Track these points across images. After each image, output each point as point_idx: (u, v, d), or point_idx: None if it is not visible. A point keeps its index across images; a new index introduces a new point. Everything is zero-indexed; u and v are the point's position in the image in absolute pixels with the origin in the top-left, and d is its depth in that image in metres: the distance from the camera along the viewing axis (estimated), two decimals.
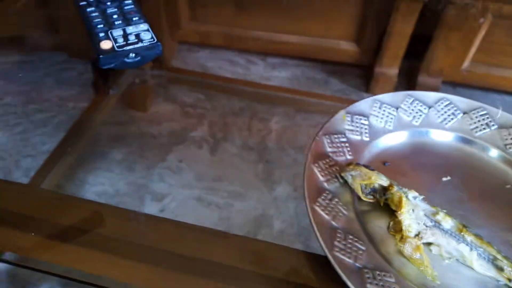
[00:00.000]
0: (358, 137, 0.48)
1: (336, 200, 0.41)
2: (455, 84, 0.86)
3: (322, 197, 0.41)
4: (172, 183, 0.60)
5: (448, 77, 0.78)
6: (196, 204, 0.58)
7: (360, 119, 0.50)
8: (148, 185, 0.60)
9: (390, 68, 0.76)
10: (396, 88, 0.83)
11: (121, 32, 0.47)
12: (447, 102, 0.52)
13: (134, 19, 0.50)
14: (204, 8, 0.81)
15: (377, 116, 0.50)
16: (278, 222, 0.57)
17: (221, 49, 0.91)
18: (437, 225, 0.38)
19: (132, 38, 0.48)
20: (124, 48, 0.47)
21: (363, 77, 0.86)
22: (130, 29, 0.48)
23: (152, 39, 0.48)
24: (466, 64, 0.76)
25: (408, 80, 0.80)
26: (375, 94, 0.84)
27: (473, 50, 0.74)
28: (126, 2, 0.51)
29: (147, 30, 0.49)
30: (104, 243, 0.40)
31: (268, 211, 0.59)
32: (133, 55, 0.47)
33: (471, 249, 0.37)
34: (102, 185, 0.61)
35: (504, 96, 0.87)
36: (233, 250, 0.41)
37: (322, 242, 0.37)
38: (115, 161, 0.63)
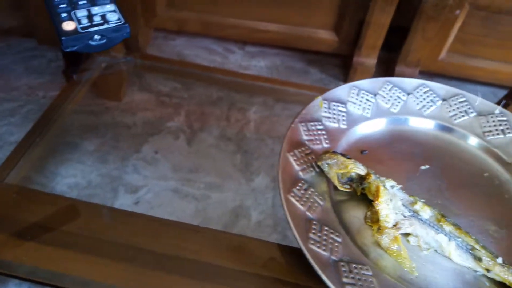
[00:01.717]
0: (336, 125, 0.47)
1: (312, 190, 0.40)
2: (432, 74, 0.87)
3: (298, 187, 0.40)
4: (147, 175, 0.59)
5: (425, 67, 0.78)
6: (172, 196, 0.57)
7: (338, 106, 0.48)
8: (122, 177, 0.58)
9: (368, 58, 0.76)
10: None
11: (85, 13, 0.44)
12: (426, 89, 0.51)
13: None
14: None
15: (355, 103, 0.49)
16: (256, 213, 0.57)
17: (198, 36, 0.89)
18: (415, 215, 0.38)
19: (97, 19, 0.44)
20: (89, 30, 0.44)
21: (342, 66, 0.85)
22: (95, 10, 0.45)
23: (119, 20, 0.45)
24: (443, 54, 0.77)
25: (386, 70, 0.81)
26: None
27: (450, 40, 0.75)
28: None
29: (114, 11, 0.46)
30: (72, 240, 0.38)
31: (246, 202, 0.58)
32: (98, 37, 0.44)
33: (449, 239, 0.37)
34: (74, 177, 0.58)
35: (479, 87, 0.89)
36: (206, 245, 0.40)
37: (296, 235, 0.36)
38: (88, 152, 0.61)
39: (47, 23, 0.67)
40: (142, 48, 0.79)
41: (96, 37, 0.44)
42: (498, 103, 0.51)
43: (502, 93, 0.60)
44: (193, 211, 0.57)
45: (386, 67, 0.81)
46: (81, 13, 0.44)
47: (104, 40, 0.44)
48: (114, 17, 0.45)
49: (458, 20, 0.71)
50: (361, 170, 0.40)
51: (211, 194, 0.59)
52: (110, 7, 0.46)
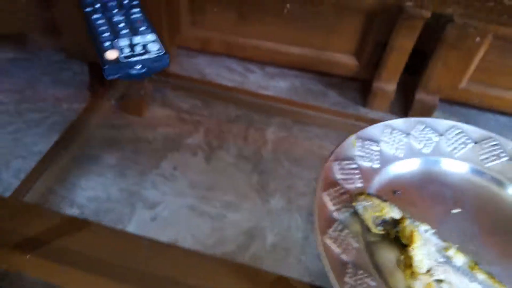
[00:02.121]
0: (369, 164, 0.47)
1: (347, 231, 0.40)
2: (452, 102, 0.86)
3: (333, 228, 0.40)
4: (165, 191, 0.60)
5: (445, 95, 0.78)
6: (189, 213, 0.58)
7: (371, 144, 0.48)
8: (141, 192, 0.59)
9: (388, 84, 0.76)
10: (393, 104, 0.83)
11: (127, 42, 0.45)
12: (458, 131, 0.51)
13: (141, 28, 0.47)
14: (205, 14, 0.80)
15: (387, 142, 0.49)
16: (271, 235, 0.57)
17: (220, 56, 0.90)
18: (449, 261, 0.37)
19: (138, 49, 0.45)
20: (130, 59, 0.44)
21: (360, 91, 0.86)
22: (137, 39, 0.46)
23: (160, 51, 0.46)
24: (463, 83, 0.77)
25: (406, 96, 0.81)
26: (372, 109, 0.85)
27: (471, 69, 0.75)
28: (134, 10, 0.49)
29: (155, 40, 0.47)
30: (74, 257, 0.38)
31: (262, 223, 0.59)
32: (139, 66, 0.45)
33: None
34: (93, 190, 0.60)
35: (498, 116, 0.88)
36: (220, 275, 0.40)
37: (334, 280, 0.36)
38: (108, 166, 0.62)
39: (77, 40, 0.69)
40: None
41: (137, 66, 0.44)
42: None
43: None
44: (209, 230, 0.57)
45: (406, 93, 0.81)
46: (124, 42, 0.45)
47: (144, 70, 0.45)
48: (155, 47, 0.46)
49: (480, 49, 0.71)
50: (396, 213, 0.39)
51: (227, 213, 0.59)
52: (151, 37, 0.47)
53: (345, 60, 0.80)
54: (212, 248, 0.54)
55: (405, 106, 0.81)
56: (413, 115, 0.80)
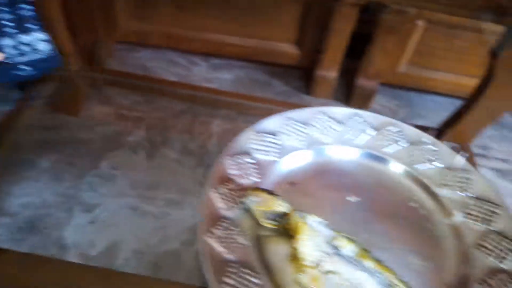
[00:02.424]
0: (265, 157, 0.46)
1: (234, 228, 0.39)
2: (392, 86, 0.89)
3: (219, 227, 0.39)
4: (104, 192, 0.57)
5: (385, 79, 0.80)
6: (130, 214, 0.56)
7: (269, 137, 0.47)
8: (78, 195, 0.57)
9: (329, 71, 0.77)
10: (337, 91, 0.84)
11: (12, 42, 0.42)
12: (359, 119, 0.51)
13: (31, 27, 0.44)
14: (143, 7, 0.78)
15: (287, 134, 0.48)
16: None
17: (163, 49, 0.88)
18: (337, 251, 0.37)
19: (26, 48, 0.42)
20: (15, 60, 0.41)
21: (304, 79, 0.86)
22: (25, 38, 0.43)
23: (51, 51, 0.43)
24: (402, 66, 0.79)
25: (348, 82, 0.82)
26: (316, 96, 0.86)
27: (408, 54, 0.77)
28: (24, 6, 0.46)
29: (45, 40, 0.43)
30: None
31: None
32: (28, 68, 0.42)
33: (369, 276, 0.36)
34: (27, 196, 0.56)
35: (435, 97, 0.92)
36: None
37: (210, 279, 0.34)
38: (43, 170, 0.59)
39: None
40: (102, 61, 0.78)
41: (25, 67, 0.41)
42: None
43: (459, 103, 0.62)
44: (151, 229, 0.56)
45: (347, 79, 0.82)
46: (8, 41, 0.42)
47: (32, 71, 0.42)
48: (44, 47, 0.43)
49: (416, 33, 0.73)
50: (283, 207, 0.39)
51: (170, 211, 0.58)
52: (41, 35, 0.44)
53: (287, 49, 0.80)
54: (155, 247, 0.53)
55: (347, 92, 0.83)
56: (354, 101, 0.82)
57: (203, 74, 0.83)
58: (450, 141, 0.61)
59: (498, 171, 0.78)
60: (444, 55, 0.78)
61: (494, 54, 0.51)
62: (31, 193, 0.57)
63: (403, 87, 0.86)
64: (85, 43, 0.74)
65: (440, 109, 0.88)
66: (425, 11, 0.73)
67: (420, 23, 0.73)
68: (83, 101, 0.67)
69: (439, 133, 0.62)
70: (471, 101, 0.58)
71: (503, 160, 0.81)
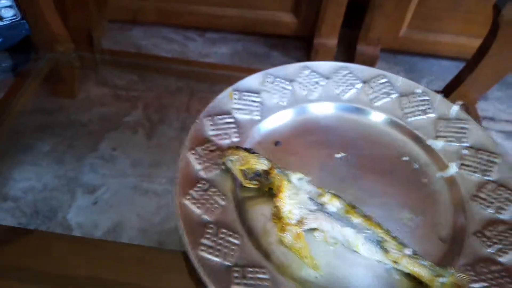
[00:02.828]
0: (247, 116, 0.44)
1: (213, 189, 0.38)
2: (393, 51, 0.86)
3: (196, 188, 0.37)
4: (105, 173, 0.57)
5: (386, 44, 0.78)
6: (132, 193, 0.56)
7: (250, 96, 0.45)
8: (79, 177, 0.56)
9: (328, 39, 0.75)
10: (337, 59, 0.82)
11: None
12: (346, 72, 0.48)
13: None
14: None
15: (269, 92, 0.46)
16: None
17: (156, 25, 0.86)
18: (322, 208, 0.35)
19: None
20: None
21: (304, 49, 0.84)
22: None
23: (15, 17, 0.41)
24: (403, 31, 0.77)
25: (348, 50, 0.80)
26: None
27: (408, 16, 0.74)
28: None
29: (10, 6, 0.41)
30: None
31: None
32: None
33: (357, 232, 0.35)
34: (28, 180, 0.56)
35: (441, 61, 0.89)
36: (94, 260, 0.37)
37: (187, 242, 0.33)
38: (42, 154, 0.59)
39: None
40: (97, 41, 0.76)
41: None
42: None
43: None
44: (154, 208, 0.55)
45: (347, 47, 0.80)
46: None
47: (0, 39, 0.40)
48: (9, 13, 0.41)
49: None
50: (264, 165, 0.37)
51: (172, 188, 0.58)
52: (6, 2, 0.42)
53: (284, 18, 0.77)
54: (159, 225, 0.53)
55: (349, 60, 0.80)
56: None
57: (199, 49, 0.81)
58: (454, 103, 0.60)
59: (507, 133, 0.77)
60: (447, 15, 0.75)
61: (497, 9, 0.49)
62: (32, 177, 0.56)
63: (406, 52, 0.83)
64: (76, 24, 0.72)
65: (446, 73, 0.85)
66: None
67: None
68: (79, 82, 0.66)
69: (444, 96, 0.61)
70: (474, 61, 0.56)
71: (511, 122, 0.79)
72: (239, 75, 0.71)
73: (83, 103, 0.65)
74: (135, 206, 0.55)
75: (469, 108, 0.59)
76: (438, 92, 0.61)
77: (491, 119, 0.79)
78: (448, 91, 0.60)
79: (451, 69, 0.86)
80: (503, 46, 0.51)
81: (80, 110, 0.65)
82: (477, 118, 0.59)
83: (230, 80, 0.71)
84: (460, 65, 0.65)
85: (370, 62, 0.78)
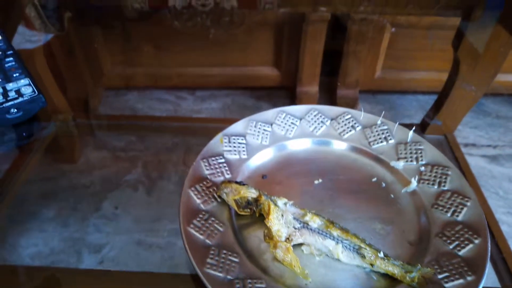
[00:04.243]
0: (236, 156, 0.51)
1: (213, 219, 0.44)
2: (372, 91, 0.92)
3: (198, 219, 0.43)
4: (109, 231, 0.59)
5: (364, 86, 0.84)
6: (136, 249, 0.57)
7: (237, 139, 0.53)
8: (84, 238, 0.58)
9: (309, 87, 0.81)
10: (319, 103, 0.87)
11: (0, 90, 0.48)
12: (316, 112, 0.57)
13: (15, 75, 0.51)
14: (125, 52, 0.82)
15: (253, 134, 0.54)
16: None
17: (149, 89, 0.92)
18: (305, 225, 0.41)
19: (12, 94, 0.49)
20: (4, 105, 0.47)
21: (288, 97, 0.90)
22: (10, 86, 0.49)
23: (33, 93, 0.50)
24: (378, 72, 0.83)
25: (328, 95, 0.85)
26: None
27: (381, 58, 0.81)
28: (7, 59, 0.52)
29: (28, 84, 0.50)
30: None
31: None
32: (15, 110, 0.48)
33: (336, 243, 0.40)
34: (35, 246, 0.58)
35: (418, 96, 0.95)
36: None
37: (193, 261, 0.39)
38: (48, 219, 0.61)
39: None
40: (93, 108, 0.81)
41: (12, 110, 0.47)
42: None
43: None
44: (159, 260, 0.57)
45: (329, 92, 0.85)
46: None
47: (21, 113, 0.49)
48: (28, 90, 0.50)
49: (383, 39, 0.77)
50: (252, 193, 0.43)
51: (176, 240, 0.59)
52: (24, 81, 0.51)
53: (267, 71, 0.83)
54: None
55: (331, 103, 0.86)
56: None
57: (191, 106, 0.87)
58: (433, 134, 0.64)
59: (489, 157, 0.80)
60: (416, 55, 0.82)
61: (455, 46, 0.55)
62: (38, 243, 0.58)
63: (384, 91, 0.89)
64: (74, 94, 0.77)
65: (424, 106, 0.91)
66: (386, 16, 0.77)
67: (384, 28, 0.77)
68: (79, 148, 0.70)
69: (422, 128, 0.65)
70: (444, 94, 0.62)
71: (493, 147, 0.83)
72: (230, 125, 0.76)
73: (84, 167, 0.69)
74: (140, 261, 0.56)
75: (447, 137, 0.63)
76: (418, 125, 0.66)
77: (473, 145, 0.83)
78: (426, 122, 0.64)
79: (429, 102, 0.92)
80: (467, 74, 0.57)
81: (81, 174, 0.68)
82: (456, 145, 0.63)
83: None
84: (435, 97, 0.70)
85: (351, 104, 0.83)
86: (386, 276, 0.40)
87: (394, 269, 0.39)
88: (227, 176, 0.49)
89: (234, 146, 0.52)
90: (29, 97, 0.49)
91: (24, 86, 0.50)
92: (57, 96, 0.67)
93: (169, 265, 0.56)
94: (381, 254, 0.40)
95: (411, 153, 0.51)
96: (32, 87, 0.50)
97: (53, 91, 0.68)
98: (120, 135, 0.75)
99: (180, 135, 0.76)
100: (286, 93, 0.89)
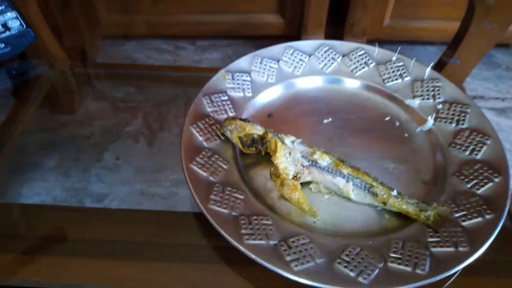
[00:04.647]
0: (240, 94, 0.49)
1: (216, 156, 0.42)
2: (379, 41, 0.88)
3: (200, 156, 0.42)
4: (111, 182, 0.59)
5: (372, 35, 0.80)
6: (139, 199, 0.57)
7: (241, 75, 0.50)
8: (87, 188, 0.58)
9: (315, 36, 0.77)
10: None
11: None
12: (326, 48, 0.53)
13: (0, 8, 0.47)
14: None
15: (258, 71, 0.51)
16: None
17: (147, 38, 0.88)
18: (314, 164, 0.40)
19: None
20: None
21: None
22: None
23: (21, 26, 0.46)
24: (386, 20, 0.79)
25: None
26: None
27: (390, 6, 0.77)
28: None
29: (16, 17, 0.46)
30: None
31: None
32: (2, 45, 0.44)
33: (347, 181, 0.39)
34: (38, 195, 0.58)
35: (427, 46, 0.91)
36: (119, 224, 0.43)
37: (196, 197, 0.38)
38: (49, 169, 0.61)
39: None
40: (91, 57, 0.78)
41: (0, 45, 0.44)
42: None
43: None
44: (162, 210, 0.57)
45: None
46: None
47: (9, 48, 0.45)
48: (15, 24, 0.46)
49: None
50: (258, 130, 0.41)
51: (177, 190, 0.60)
52: (11, 14, 0.47)
53: (270, 19, 0.80)
54: None
55: None
56: None
57: (191, 56, 0.84)
58: None
59: (498, 110, 0.79)
60: (427, 2, 0.78)
61: None
62: (41, 192, 0.58)
63: (392, 41, 0.85)
64: (72, 43, 0.75)
65: (433, 57, 0.87)
66: None
67: None
68: (78, 99, 0.69)
69: None
70: (455, 43, 0.59)
71: (502, 99, 0.81)
72: None
73: (84, 118, 0.67)
74: None
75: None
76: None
77: (481, 97, 0.81)
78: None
79: (437, 53, 0.89)
80: (480, 23, 0.53)
81: (81, 125, 0.67)
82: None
83: None
84: (445, 49, 0.67)
85: None
86: (399, 215, 0.39)
87: (408, 208, 0.38)
88: (231, 114, 0.47)
89: (238, 83, 0.50)
90: (17, 31, 0.46)
91: (11, 20, 0.46)
92: (53, 44, 0.65)
93: None
94: (394, 192, 0.39)
95: (427, 90, 0.49)
96: (20, 21, 0.46)
97: (49, 39, 0.65)
98: (119, 86, 0.73)
99: (180, 86, 0.74)
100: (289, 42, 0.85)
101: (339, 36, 0.80)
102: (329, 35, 0.80)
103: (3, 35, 0.45)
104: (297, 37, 0.80)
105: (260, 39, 0.86)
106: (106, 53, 0.83)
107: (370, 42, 0.85)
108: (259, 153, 0.43)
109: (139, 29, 0.82)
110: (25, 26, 0.46)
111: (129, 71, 0.71)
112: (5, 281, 0.38)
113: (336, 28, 0.81)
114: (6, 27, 0.45)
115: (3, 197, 0.57)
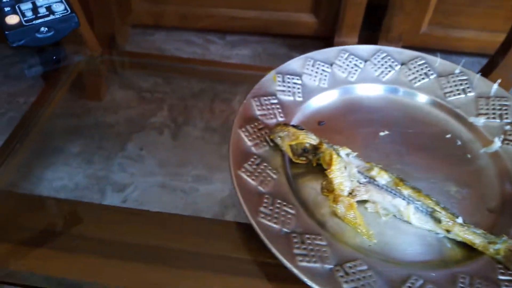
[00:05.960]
0: (290, 98, 0.45)
1: (265, 164, 0.39)
2: (415, 48, 0.86)
3: (249, 163, 0.39)
4: (133, 172, 0.58)
5: (407, 42, 0.78)
6: (160, 191, 0.57)
7: (292, 78, 0.47)
8: (109, 176, 0.58)
9: (349, 38, 0.75)
10: None
11: (30, 6, 0.44)
12: (384, 54, 0.49)
13: None
14: None
15: (310, 75, 0.48)
16: None
17: (177, 30, 0.88)
18: (372, 181, 0.36)
19: (42, 10, 0.44)
20: (34, 22, 0.43)
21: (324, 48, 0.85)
22: (40, 2, 0.45)
23: (66, 11, 0.45)
24: (424, 27, 0.77)
25: None
26: None
27: (429, 13, 0.74)
28: None
29: (60, 1, 0.45)
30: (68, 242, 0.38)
31: (234, 192, 0.58)
32: (45, 29, 0.43)
33: (408, 203, 0.35)
34: (60, 180, 0.58)
35: (464, 57, 0.88)
36: (167, 232, 0.40)
37: (246, 209, 0.35)
38: (73, 155, 0.61)
39: None
40: (120, 45, 0.78)
41: (43, 29, 0.43)
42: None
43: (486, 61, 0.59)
44: (182, 204, 0.56)
45: None
46: (25, 6, 0.44)
47: (52, 32, 0.44)
48: (60, 8, 0.45)
49: None
50: (312, 140, 0.38)
51: (199, 186, 0.59)
52: None
53: (304, 18, 0.78)
54: None
55: None
56: None
57: (220, 51, 0.83)
58: None
59: None
60: (469, 11, 0.75)
61: None
62: (64, 177, 0.58)
63: (427, 49, 0.82)
64: (102, 30, 0.74)
65: (470, 69, 0.84)
66: None
67: None
68: (105, 86, 0.68)
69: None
70: (500, 53, 0.56)
71: None
72: (261, 74, 0.72)
73: (110, 105, 0.67)
74: (163, 204, 0.55)
75: None
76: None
77: None
78: None
79: (475, 65, 0.85)
80: None
81: (107, 112, 0.66)
82: None
83: (252, 80, 0.72)
84: (483, 61, 0.64)
85: None
86: (463, 245, 0.35)
87: (475, 238, 0.34)
88: (280, 119, 0.44)
89: (289, 86, 0.46)
90: (61, 15, 0.45)
91: (56, 3, 0.45)
92: (86, 29, 0.64)
93: (192, 210, 0.55)
94: (460, 220, 0.35)
95: (494, 109, 0.45)
96: (65, 5, 0.45)
97: (84, 25, 0.65)
98: (146, 76, 0.73)
99: (207, 81, 0.73)
100: (321, 43, 0.83)
101: (373, 41, 0.78)
102: (363, 39, 0.78)
103: (47, 19, 0.44)
104: (330, 39, 0.79)
105: (291, 38, 0.85)
106: (136, 42, 0.83)
107: (405, 48, 0.82)
108: (308, 163, 0.40)
109: (170, 20, 0.82)
110: (69, 11, 0.45)
111: (158, 62, 0.70)
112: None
113: (371, 33, 0.79)
114: (50, 10, 0.44)
115: (26, 179, 0.57)
